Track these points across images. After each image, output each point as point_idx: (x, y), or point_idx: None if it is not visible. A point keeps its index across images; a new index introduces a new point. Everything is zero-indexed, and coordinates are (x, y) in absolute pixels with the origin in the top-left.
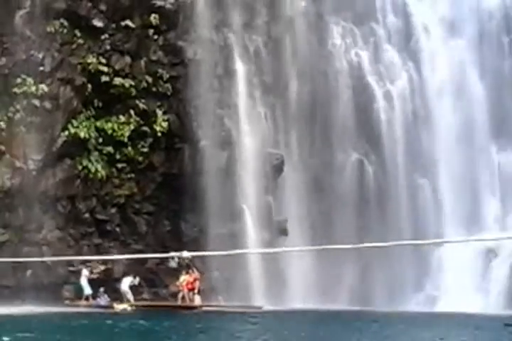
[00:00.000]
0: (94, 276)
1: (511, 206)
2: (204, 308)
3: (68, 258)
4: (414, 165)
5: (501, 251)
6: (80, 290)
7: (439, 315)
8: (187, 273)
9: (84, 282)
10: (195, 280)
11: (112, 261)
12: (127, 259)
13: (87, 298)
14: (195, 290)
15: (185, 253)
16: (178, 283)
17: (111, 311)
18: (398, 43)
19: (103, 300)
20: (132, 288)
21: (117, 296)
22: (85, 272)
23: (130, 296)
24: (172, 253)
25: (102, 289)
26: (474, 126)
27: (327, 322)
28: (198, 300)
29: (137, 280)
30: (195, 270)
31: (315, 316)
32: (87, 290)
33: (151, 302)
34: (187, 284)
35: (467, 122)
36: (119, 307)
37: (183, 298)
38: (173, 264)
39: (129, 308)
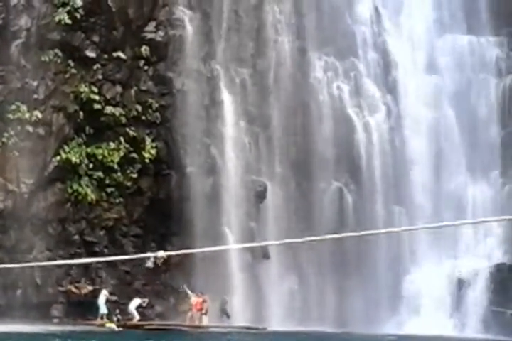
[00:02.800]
0: (112, 298)
1: (483, 235)
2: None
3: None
4: (391, 194)
5: (475, 276)
6: (96, 309)
7: (412, 337)
8: (197, 294)
9: (101, 302)
10: (203, 301)
11: (100, 281)
12: (115, 280)
13: (102, 317)
14: (203, 311)
15: (161, 253)
16: (189, 304)
17: (102, 330)
18: (377, 77)
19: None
20: (137, 309)
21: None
22: (104, 292)
23: (136, 317)
24: (148, 254)
25: (117, 310)
26: (449, 158)
27: None
28: (205, 321)
29: (146, 301)
30: (203, 292)
31: (294, 337)
32: (103, 309)
33: (139, 322)
34: (196, 305)
35: (442, 154)
36: (109, 325)
37: (191, 318)
38: (149, 264)
39: (115, 328)
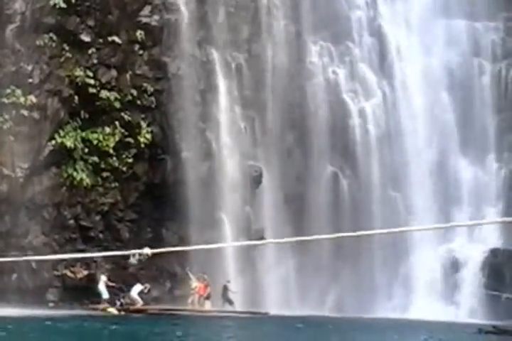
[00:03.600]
0: (111, 284)
1: (479, 218)
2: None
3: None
4: (387, 179)
5: (469, 261)
6: (98, 294)
7: (407, 322)
8: (198, 279)
9: (102, 287)
10: (206, 286)
11: (95, 266)
12: (110, 264)
13: (106, 302)
14: (206, 296)
15: (146, 250)
16: (191, 289)
17: (103, 314)
18: (373, 62)
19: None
20: (140, 294)
21: (98, 300)
22: (103, 278)
23: (139, 302)
24: (133, 251)
25: (121, 294)
26: (445, 142)
27: (300, 327)
28: (208, 305)
29: (147, 287)
30: (205, 277)
31: (291, 321)
32: (105, 294)
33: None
34: (199, 290)
35: (438, 138)
36: (110, 310)
37: (192, 302)
38: (133, 261)
39: (116, 312)
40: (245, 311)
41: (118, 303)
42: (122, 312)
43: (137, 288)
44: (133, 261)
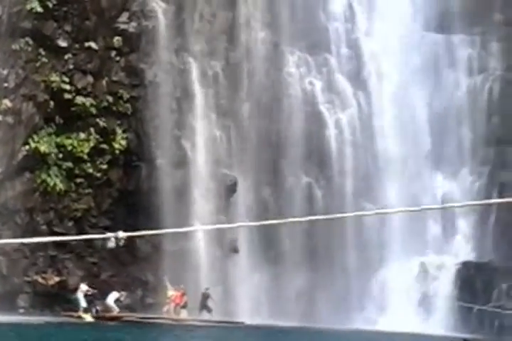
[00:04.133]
0: (89, 292)
1: (451, 231)
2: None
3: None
4: (361, 190)
5: (442, 273)
6: (76, 302)
7: (379, 334)
8: (175, 289)
9: (80, 296)
10: (182, 295)
11: (67, 272)
12: (82, 271)
13: (84, 311)
14: (182, 304)
15: (121, 234)
16: (166, 298)
17: (77, 321)
18: (350, 73)
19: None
20: (116, 301)
21: (70, 307)
22: (83, 287)
23: (116, 309)
24: (108, 234)
25: (96, 302)
26: (420, 155)
27: (272, 336)
28: (184, 314)
29: (123, 294)
30: (182, 286)
31: (263, 331)
32: (83, 303)
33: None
34: (174, 299)
35: (412, 151)
36: (84, 317)
37: (167, 311)
38: (111, 244)
39: (90, 319)
40: (221, 320)
41: (94, 310)
42: (97, 320)
43: (113, 295)
44: (111, 244)
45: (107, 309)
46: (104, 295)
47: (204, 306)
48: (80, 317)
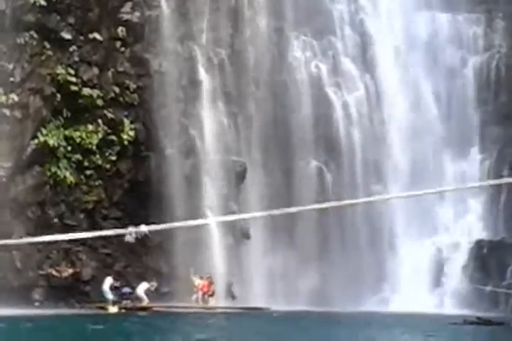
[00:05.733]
0: (117, 284)
1: (462, 212)
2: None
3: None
4: (371, 172)
5: (455, 253)
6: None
7: (393, 315)
8: (201, 277)
9: (106, 288)
10: (210, 283)
11: (81, 264)
12: (96, 262)
13: (113, 303)
14: (210, 293)
15: (143, 227)
16: (194, 286)
17: (84, 313)
18: (356, 56)
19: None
20: (146, 292)
21: (84, 298)
22: (110, 279)
23: (145, 300)
24: (130, 229)
25: (125, 290)
26: (428, 135)
27: (287, 322)
28: (212, 303)
29: (154, 285)
30: (210, 274)
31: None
32: (109, 295)
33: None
34: (202, 287)
35: (421, 131)
36: (110, 308)
37: (196, 300)
38: (130, 239)
39: (115, 310)
40: (248, 307)
41: (123, 302)
42: (123, 310)
43: (143, 286)
44: (130, 238)
45: (137, 300)
46: (118, 286)
47: (229, 294)
48: (104, 308)
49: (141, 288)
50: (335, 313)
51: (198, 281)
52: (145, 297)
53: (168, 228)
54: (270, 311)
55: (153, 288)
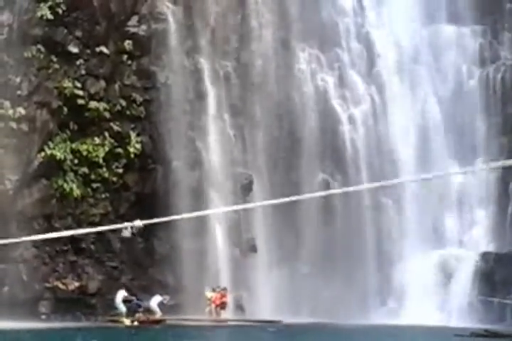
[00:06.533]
0: (129, 298)
1: (468, 224)
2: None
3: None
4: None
5: (461, 266)
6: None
7: (400, 327)
8: (213, 290)
9: (119, 301)
10: (222, 296)
11: (87, 277)
12: (102, 275)
13: (126, 316)
14: (221, 305)
15: (138, 222)
16: (207, 299)
17: (90, 326)
18: (362, 68)
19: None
20: (159, 305)
21: (92, 311)
22: (122, 292)
23: (158, 313)
24: (125, 224)
25: (138, 304)
26: (434, 147)
27: (289, 334)
28: (224, 315)
29: (167, 298)
30: (222, 287)
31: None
32: (122, 308)
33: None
34: (215, 300)
35: (427, 143)
36: (123, 321)
37: (209, 312)
38: (126, 233)
39: (128, 323)
40: (260, 320)
41: (136, 315)
42: (136, 323)
43: (156, 299)
44: (126, 233)
45: (150, 312)
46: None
47: (238, 306)
48: (117, 321)
49: (155, 301)
50: (341, 325)
51: (210, 294)
52: (158, 310)
53: (164, 221)
54: (281, 324)
55: (165, 301)
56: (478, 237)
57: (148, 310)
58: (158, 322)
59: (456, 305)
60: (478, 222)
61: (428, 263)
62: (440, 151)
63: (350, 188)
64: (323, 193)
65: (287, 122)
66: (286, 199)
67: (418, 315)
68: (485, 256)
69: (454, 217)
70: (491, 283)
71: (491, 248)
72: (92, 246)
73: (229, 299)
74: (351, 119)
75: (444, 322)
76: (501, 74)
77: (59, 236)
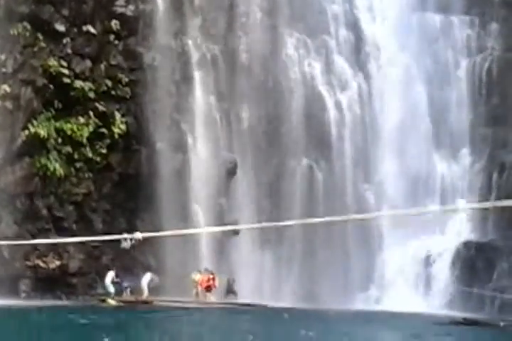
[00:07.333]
0: (115, 279)
1: (450, 213)
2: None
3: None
4: (361, 171)
5: (442, 254)
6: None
7: (380, 314)
8: (200, 272)
9: (108, 282)
10: (209, 279)
11: (68, 256)
12: (83, 255)
13: (112, 297)
14: (209, 289)
15: (138, 234)
16: (193, 281)
17: (70, 305)
18: (349, 55)
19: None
20: (149, 285)
21: (72, 291)
22: (111, 273)
23: (145, 292)
24: (125, 235)
25: (125, 284)
26: (419, 136)
27: (272, 318)
28: (211, 298)
29: (155, 279)
30: (210, 270)
31: (262, 312)
32: (111, 289)
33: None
34: (201, 282)
35: (412, 132)
36: (109, 301)
37: (196, 294)
38: (125, 245)
39: (114, 303)
40: (245, 303)
41: (124, 294)
42: (122, 304)
43: (146, 277)
44: (125, 245)
45: (138, 292)
46: (104, 278)
47: (230, 290)
48: (104, 300)
49: (145, 279)
50: (322, 311)
51: (197, 276)
52: (146, 289)
53: (162, 236)
54: (268, 308)
55: (154, 282)
56: (460, 226)
57: (135, 290)
58: (144, 303)
59: (436, 293)
60: (460, 211)
61: (410, 251)
62: (426, 140)
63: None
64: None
65: (273, 107)
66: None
67: (398, 302)
68: (466, 244)
69: (436, 205)
70: (471, 272)
71: (472, 237)
72: (74, 226)
73: (217, 282)
74: (337, 105)
75: (424, 310)
76: (488, 64)
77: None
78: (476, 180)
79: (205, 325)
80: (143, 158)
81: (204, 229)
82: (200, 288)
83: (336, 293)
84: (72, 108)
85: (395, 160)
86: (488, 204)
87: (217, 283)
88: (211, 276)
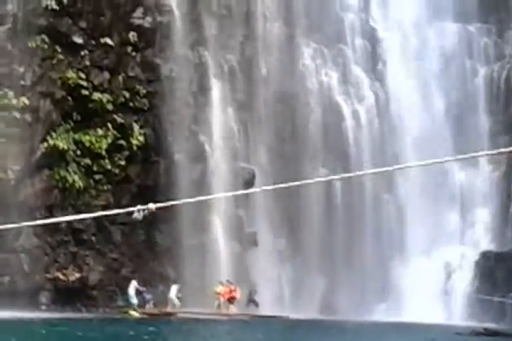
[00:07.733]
0: (140, 288)
1: (470, 222)
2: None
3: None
4: (380, 181)
5: (462, 264)
6: (128, 299)
7: (400, 325)
8: (221, 284)
9: (132, 292)
10: (231, 291)
11: (88, 268)
12: (103, 267)
13: (134, 308)
14: (232, 300)
15: (151, 205)
16: (215, 293)
17: (87, 317)
18: (366, 64)
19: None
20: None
21: (92, 303)
22: (134, 283)
23: (176, 303)
24: (139, 206)
25: (147, 296)
26: (437, 145)
27: (294, 329)
28: (233, 310)
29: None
30: (231, 281)
31: (284, 324)
32: (134, 300)
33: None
34: (224, 294)
35: (430, 140)
36: (132, 313)
37: (218, 306)
38: (137, 216)
39: (137, 315)
40: (267, 315)
41: (147, 306)
42: (144, 316)
43: (174, 288)
44: (138, 216)
45: (162, 303)
46: (123, 291)
47: (251, 301)
48: (126, 312)
49: (173, 291)
50: (341, 322)
51: (219, 288)
52: (176, 300)
53: (176, 204)
54: (289, 319)
55: (179, 294)
56: (479, 235)
57: (158, 302)
58: (168, 314)
59: (456, 303)
60: (480, 220)
61: (429, 261)
62: (444, 149)
63: (351, 174)
64: (322, 179)
65: (291, 117)
66: (285, 185)
67: (418, 313)
68: (486, 254)
69: (455, 215)
70: (491, 282)
71: (491, 247)
72: (93, 238)
73: (239, 294)
74: (355, 115)
75: (445, 320)
76: (506, 72)
77: (58, 221)
78: (495, 189)
79: (231, 337)
80: (161, 169)
81: (220, 195)
82: (222, 300)
83: (355, 304)
84: (91, 120)
85: (414, 169)
86: None
87: (238, 294)
88: (233, 288)
